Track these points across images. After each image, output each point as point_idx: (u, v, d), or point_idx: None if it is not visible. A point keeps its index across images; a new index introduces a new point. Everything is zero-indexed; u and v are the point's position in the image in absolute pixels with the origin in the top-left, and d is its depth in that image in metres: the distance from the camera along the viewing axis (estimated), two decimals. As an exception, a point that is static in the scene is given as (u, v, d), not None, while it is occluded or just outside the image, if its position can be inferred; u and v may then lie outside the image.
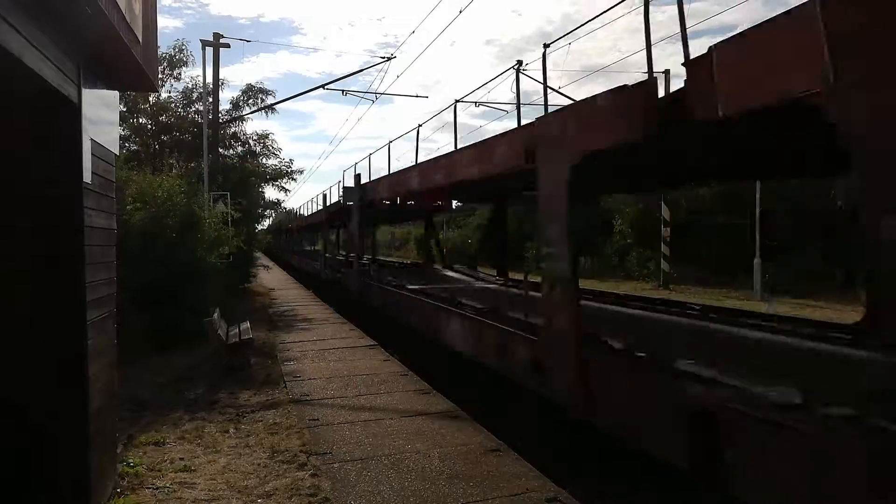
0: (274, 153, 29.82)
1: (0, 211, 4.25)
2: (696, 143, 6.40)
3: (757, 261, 22.71)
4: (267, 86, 28.62)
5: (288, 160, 32.54)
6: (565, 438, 7.47)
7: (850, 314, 17.03)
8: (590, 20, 7.92)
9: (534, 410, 8.16)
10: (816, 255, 23.65)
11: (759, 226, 22.97)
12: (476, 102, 16.57)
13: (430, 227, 23.97)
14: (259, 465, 5.97)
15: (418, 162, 14.78)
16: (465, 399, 8.42)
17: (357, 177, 19.33)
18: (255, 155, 29.19)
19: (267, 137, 29.57)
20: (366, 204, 18.91)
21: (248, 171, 26.40)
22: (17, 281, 4.30)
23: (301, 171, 32.04)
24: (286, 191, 30.97)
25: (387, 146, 17.82)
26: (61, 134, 4.26)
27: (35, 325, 4.29)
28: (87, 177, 4.38)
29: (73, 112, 4.24)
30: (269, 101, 27.97)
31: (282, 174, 30.15)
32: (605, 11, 7.34)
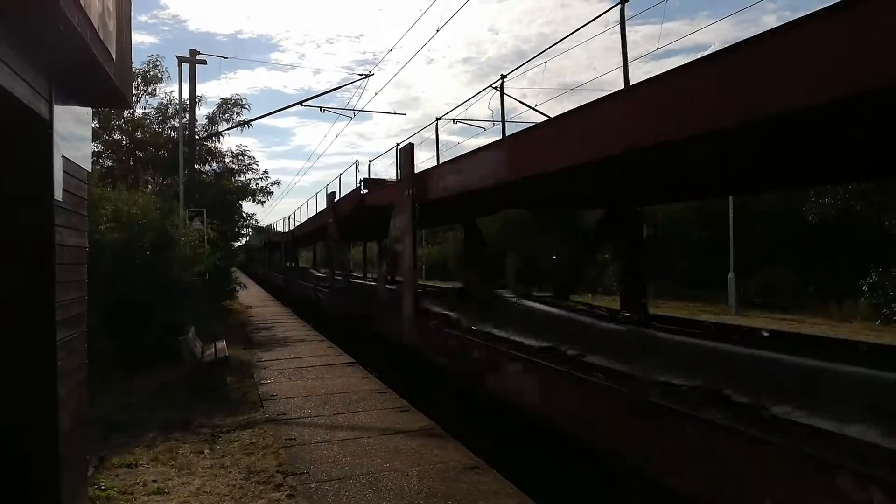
0: (252, 168, 29.62)
1: (-32, 229, 4.17)
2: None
3: (731, 275, 23.03)
4: (243, 101, 28.28)
5: (263, 171, 32.17)
6: (544, 455, 7.47)
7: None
8: (547, 48, 7.86)
9: (512, 427, 8.15)
10: (789, 271, 24.10)
11: (732, 241, 23.31)
12: (454, 119, 16.70)
13: (475, 236, 15.36)
14: (234, 486, 5.88)
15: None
16: (444, 416, 8.38)
17: (409, 148, 12.92)
18: (232, 172, 29.02)
19: (243, 155, 29.40)
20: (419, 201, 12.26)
21: (226, 189, 26.23)
22: (-15, 301, 4.20)
23: (277, 183, 31.61)
24: (263, 200, 30.53)
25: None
26: (32, 151, 4.19)
27: (3, 345, 4.20)
28: (58, 194, 4.31)
29: (44, 128, 4.18)
30: (245, 113, 27.91)
31: (259, 190, 29.92)
32: (565, 37, 7.38)
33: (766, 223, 26.01)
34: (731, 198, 22.72)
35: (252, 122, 27.96)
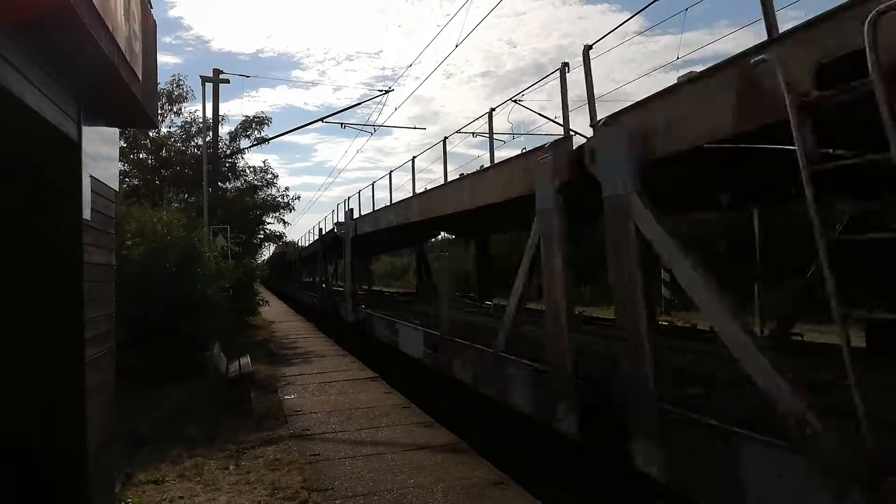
0: (273, 184, 30.01)
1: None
2: None
3: (756, 287, 22.66)
4: (264, 116, 28.69)
5: (285, 188, 32.69)
6: (570, 470, 7.37)
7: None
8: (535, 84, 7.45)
9: (536, 442, 8.07)
10: (804, 282, 23.63)
11: (759, 253, 22.94)
12: (474, 133, 16.70)
13: None
14: (260, 502, 5.88)
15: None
16: (468, 431, 8.32)
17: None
18: (254, 189, 29.38)
19: (266, 172, 29.77)
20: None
21: (249, 205, 26.54)
22: (15, 319, 4.27)
23: (298, 197, 31.73)
24: (285, 223, 31.07)
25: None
26: (61, 171, 4.27)
27: (33, 362, 4.26)
28: (86, 213, 4.38)
29: (72, 149, 4.26)
30: (266, 126, 28.30)
31: (280, 205, 30.33)
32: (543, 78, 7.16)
33: (792, 234, 25.55)
34: (755, 210, 22.40)
35: (274, 139, 28.47)
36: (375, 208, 19.22)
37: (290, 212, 30.76)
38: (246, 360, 12.22)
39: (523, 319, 9.05)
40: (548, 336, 7.50)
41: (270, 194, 29.95)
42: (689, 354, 8.30)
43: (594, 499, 6.87)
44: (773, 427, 4.41)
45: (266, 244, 33.66)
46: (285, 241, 40.62)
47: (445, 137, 13.37)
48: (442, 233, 20.79)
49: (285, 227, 32.02)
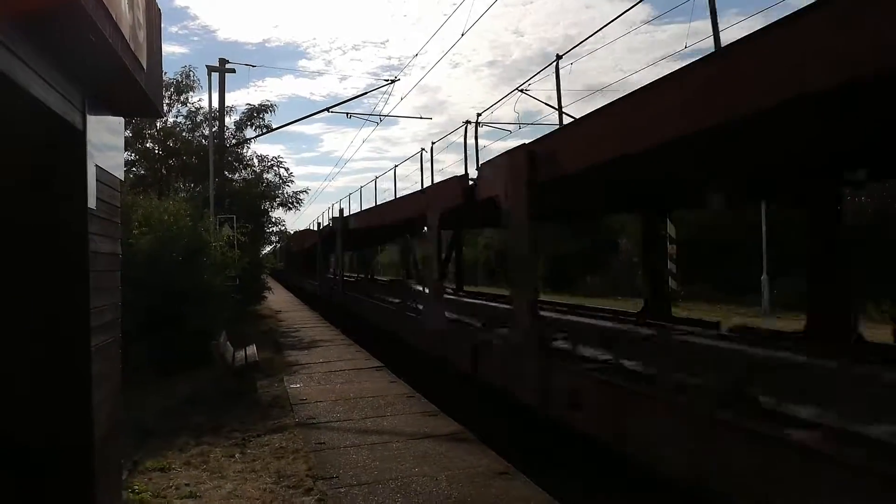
0: (274, 169, 29.84)
1: (4, 237, 4.26)
2: None
3: (764, 277, 22.61)
4: (270, 104, 28.38)
5: (288, 173, 32.22)
6: (574, 460, 7.40)
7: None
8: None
9: (541, 431, 8.09)
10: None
11: (765, 243, 22.88)
12: (482, 124, 16.66)
13: None
14: (265, 490, 5.93)
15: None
16: (473, 421, 8.34)
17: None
18: (259, 177, 29.32)
19: (279, 164, 29.62)
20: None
21: (255, 194, 26.53)
22: (21, 307, 4.30)
23: (306, 191, 31.26)
24: (293, 206, 30.86)
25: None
26: (66, 160, 4.28)
27: (39, 351, 4.29)
28: (91, 202, 4.40)
29: (77, 139, 4.27)
30: (270, 115, 28.12)
31: (290, 199, 30.23)
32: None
33: (799, 226, 25.48)
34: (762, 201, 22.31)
35: (280, 129, 28.37)
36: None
37: (299, 205, 30.61)
38: (252, 349, 12.29)
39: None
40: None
41: (276, 185, 29.78)
42: None
43: (595, 486, 6.89)
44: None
45: (274, 234, 33.57)
46: (290, 232, 40.56)
47: (422, 149, 14.34)
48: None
49: (290, 212, 31.74)
